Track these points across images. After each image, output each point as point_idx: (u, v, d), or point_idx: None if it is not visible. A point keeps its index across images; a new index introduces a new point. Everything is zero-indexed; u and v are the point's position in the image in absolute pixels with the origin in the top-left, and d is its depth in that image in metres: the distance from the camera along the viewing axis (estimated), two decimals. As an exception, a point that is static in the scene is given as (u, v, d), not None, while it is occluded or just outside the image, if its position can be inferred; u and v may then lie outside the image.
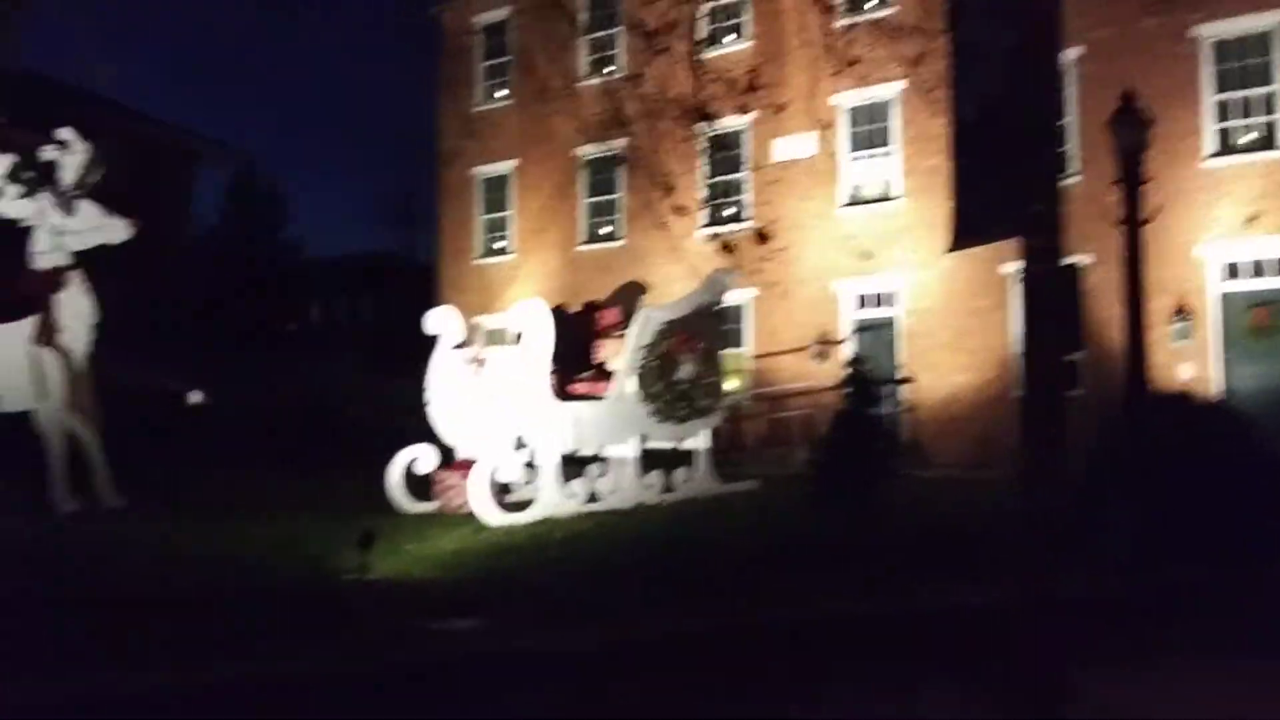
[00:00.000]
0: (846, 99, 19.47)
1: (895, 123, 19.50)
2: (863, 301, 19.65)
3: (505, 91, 24.69)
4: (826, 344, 19.44)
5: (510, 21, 24.53)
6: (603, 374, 12.17)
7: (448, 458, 12.25)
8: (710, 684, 5.87)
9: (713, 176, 21.25)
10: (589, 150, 23.01)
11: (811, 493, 11.77)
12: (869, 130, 19.36)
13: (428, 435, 14.15)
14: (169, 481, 15.21)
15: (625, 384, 11.92)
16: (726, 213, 21.17)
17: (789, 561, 8.69)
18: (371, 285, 43.12)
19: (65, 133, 13.34)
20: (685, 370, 12.41)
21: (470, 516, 11.20)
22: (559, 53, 23.33)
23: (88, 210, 13.44)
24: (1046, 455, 5.07)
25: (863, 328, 19.50)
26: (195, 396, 29.75)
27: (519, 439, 11.43)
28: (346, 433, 25.07)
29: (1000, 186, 5.77)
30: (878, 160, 19.52)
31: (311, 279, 44.98)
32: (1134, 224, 9.88)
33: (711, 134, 21.18)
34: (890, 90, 19.36)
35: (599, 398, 11.58)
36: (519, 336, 13.42)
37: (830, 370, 19.78)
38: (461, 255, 25.37)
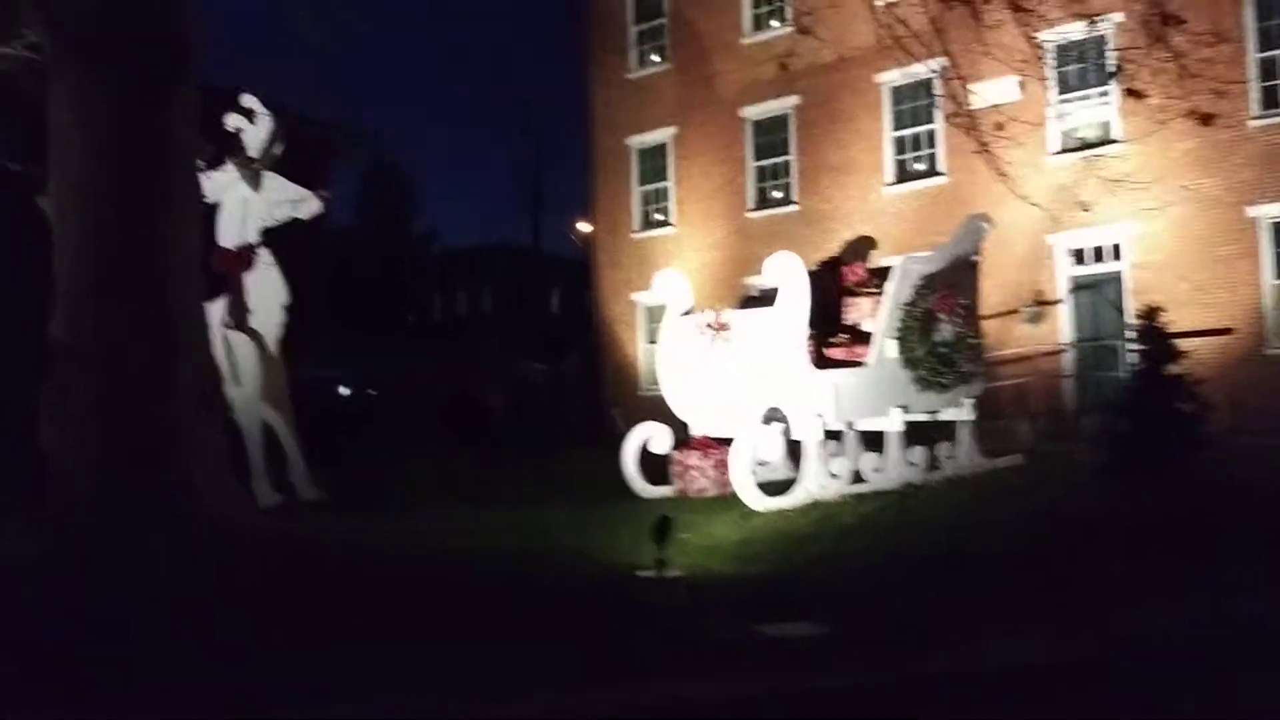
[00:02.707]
0: (1052, 36, 17.58)
1: (1111, 59, 17.58)
2: (1080, 257, 17.79)
3: (659, 56, 23.34)
4: (1042, 304, 17.65)
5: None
6: (858, 336, 10.75)
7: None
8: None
9: (898, 129, 19.65)
10: (755, 111, 21.55)
11: (1103, 465, 10.31)
12: (1080, 70, 17.46)
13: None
14: (348, 472, 14.33)
15: (885, 347, 10.50)
16: (917, 167, 19.48)
17: (1127, 548, 7.54)
18: (491, 275, 42.96)
19: (250, 100, 12.44)
20: (946, 331, 10.93)
21: (716, 500, 10.03)
22: (719, 8, 21.93)
23: (275, 183, 12.52)
24: None
25: (1082, 285, 17.66)
26: (343, 389, 29.25)
27: (770, 413, 10.13)
28: (497, 416, 24.38)
29: None
30: (1092, 102, 17.64)
31: (436, 270, 45.05)
32: None
33: (897, 85, 19.87)
34: (1105, 24, 17.44)
35: (860, 363, 10.17)
36: (745, 299, 12.14)
37: (1044, 333, 18.14)
38: (617, 230, 24.12)
